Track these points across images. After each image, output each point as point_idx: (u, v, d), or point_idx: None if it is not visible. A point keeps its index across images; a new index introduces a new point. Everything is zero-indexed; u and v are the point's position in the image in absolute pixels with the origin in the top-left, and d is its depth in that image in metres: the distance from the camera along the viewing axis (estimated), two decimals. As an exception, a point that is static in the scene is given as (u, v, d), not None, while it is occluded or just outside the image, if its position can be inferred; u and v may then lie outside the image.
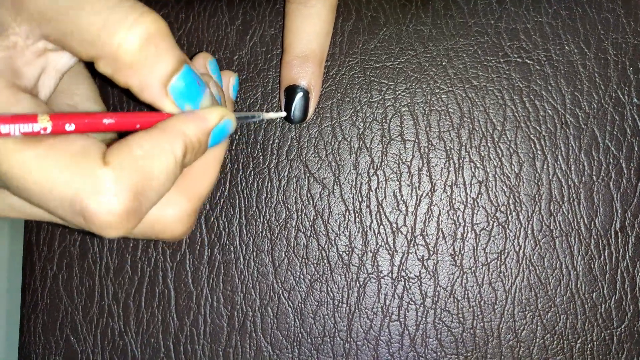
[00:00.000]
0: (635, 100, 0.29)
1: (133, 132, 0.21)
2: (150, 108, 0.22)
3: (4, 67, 0.20)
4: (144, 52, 0.20)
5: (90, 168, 0.19)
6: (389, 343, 0.29)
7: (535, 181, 0.29)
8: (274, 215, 0.30)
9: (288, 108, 0.29)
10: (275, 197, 0.30)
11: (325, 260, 0.30)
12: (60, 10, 0.20)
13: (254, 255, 0.30)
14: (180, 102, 0.22)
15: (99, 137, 0.24)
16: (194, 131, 0.21)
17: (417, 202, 0.30)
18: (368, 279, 0.30)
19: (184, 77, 0.22)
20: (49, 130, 0.19)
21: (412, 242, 0.29)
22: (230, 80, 0.28)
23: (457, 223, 0.29)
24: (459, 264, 0.29)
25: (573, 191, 0.29)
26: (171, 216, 0.22)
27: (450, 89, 0.30)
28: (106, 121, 0.21)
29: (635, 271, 0.28)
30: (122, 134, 0.22)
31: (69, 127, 0.20)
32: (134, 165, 0.20)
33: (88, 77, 0.27)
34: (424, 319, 0.29)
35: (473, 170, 0.29)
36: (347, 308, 0.29)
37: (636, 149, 0.29)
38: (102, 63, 0.20)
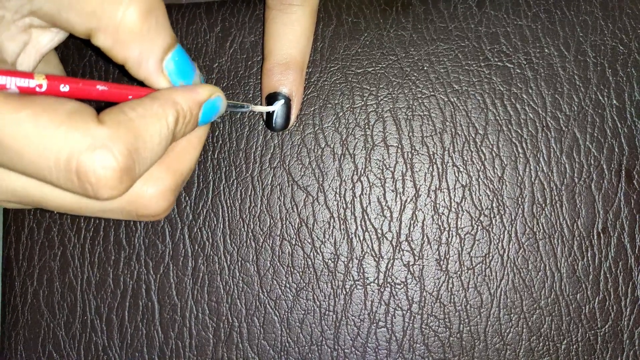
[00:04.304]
0: (614, 101, 0.29)
1: None
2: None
3: None
4: (145, 25, 0.21)
5: (85, 125, 0.19)
6: (376, 350, 0.29)
7: (518, 184, 0.29)
8: (258, 224, 0.30)
9: (270, 116, 0.29)
10: (259, 206, 0.30)
11: (310, 269, 0.29)
12: None
13: (239, 265, 0.30)
14: (174, 78, 0.22)
15: None
16: (185, 101, 0.22)
17: (402, 207, 0.30)
18: (354, 286, 0.29)
19: (179, 53, 0.22)
20: (44, 88, 0.19)
21: (398, 248, 0.29)
22: None
23: (442, 228, 0.29)
24: (444, 269, 0.29)
25: (555, 193, 0.29)
26: (153, 191, 0.22)
27: (432, 93, 0.30)
28: (100, 87, 0.21)
29: (618, 271, 0.29)
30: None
31: (64, 88, 0.20)
32: (128, 125, 0.20)
33: (62, 71, 0.26)
34: (410, 325, 0.29)
35: (456, 174, 0.29)
36: (334, 316, 0.29)
37: (616, 150, 0.29)
38: (102, 35, 0.21)
